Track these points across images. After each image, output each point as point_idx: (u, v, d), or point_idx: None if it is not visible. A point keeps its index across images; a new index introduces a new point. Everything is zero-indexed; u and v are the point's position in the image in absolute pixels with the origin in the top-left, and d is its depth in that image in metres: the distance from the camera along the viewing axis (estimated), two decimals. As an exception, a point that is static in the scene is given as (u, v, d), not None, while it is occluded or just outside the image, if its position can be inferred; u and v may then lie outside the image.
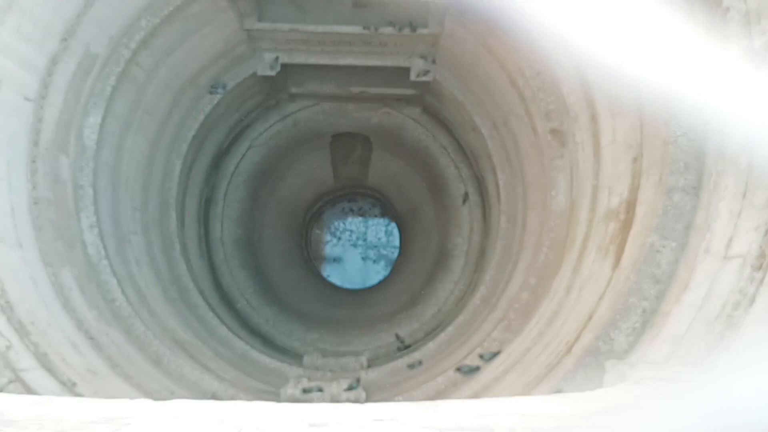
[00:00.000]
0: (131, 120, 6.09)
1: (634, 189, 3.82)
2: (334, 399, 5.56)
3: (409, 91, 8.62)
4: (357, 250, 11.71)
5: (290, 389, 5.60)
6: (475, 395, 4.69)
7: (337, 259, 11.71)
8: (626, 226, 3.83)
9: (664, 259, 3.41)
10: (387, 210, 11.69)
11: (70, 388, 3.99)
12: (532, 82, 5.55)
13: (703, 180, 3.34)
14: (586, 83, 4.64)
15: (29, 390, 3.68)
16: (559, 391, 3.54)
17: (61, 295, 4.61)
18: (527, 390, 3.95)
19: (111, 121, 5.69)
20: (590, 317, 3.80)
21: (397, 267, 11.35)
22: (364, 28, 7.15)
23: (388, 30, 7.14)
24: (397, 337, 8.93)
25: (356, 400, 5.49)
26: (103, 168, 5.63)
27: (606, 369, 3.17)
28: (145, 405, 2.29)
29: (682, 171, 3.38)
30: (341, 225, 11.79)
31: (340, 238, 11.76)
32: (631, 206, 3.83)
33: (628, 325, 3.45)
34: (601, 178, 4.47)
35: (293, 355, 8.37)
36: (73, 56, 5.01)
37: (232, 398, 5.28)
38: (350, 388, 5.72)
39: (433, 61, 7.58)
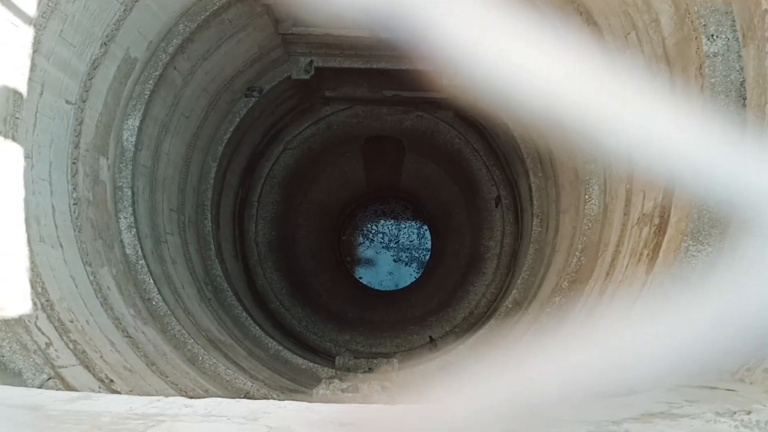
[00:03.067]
0: (169, 123, 6.20)
1: (669, 193, 3.77)
2: (366, 400, 5.58)
3: (442, 95, 8.61)
4: (389, 253, 11.73)
5: (322, 389, 5.64)
6: (507, 399, 4.66)
7: (369, 261, 11.74)
8: (660, 230, 3.78)
9: (699, 265, 3.36)
10: (419, 213, 11.68)
11: (107, 384, 4.07)
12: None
13: (740, 184, 3.29)
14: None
15: (68, 386, 3.76)
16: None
17: (99, 294, 4.71)
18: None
19: (149, 124, 5.80)
20: (625, 319, 3.76)
21: (428, 269, 11.34)
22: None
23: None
24: (431, 339, 8.93)
25: (387, 401, 5.51)
26: (141, 170, 5.74)
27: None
28: (179, 402, 2.33)
29: (718, 175, 3.33)
30: (374, 227, 11.82)
31: (372, 241, 11.78)
32: (665, 210, 3.79)
33: (661, 330, 3.41)
34: (634, 181, 4.42)
35: (325, 356, 8.43)
36: (113, 60, 5.12)
37: (265, 397, 5.33)
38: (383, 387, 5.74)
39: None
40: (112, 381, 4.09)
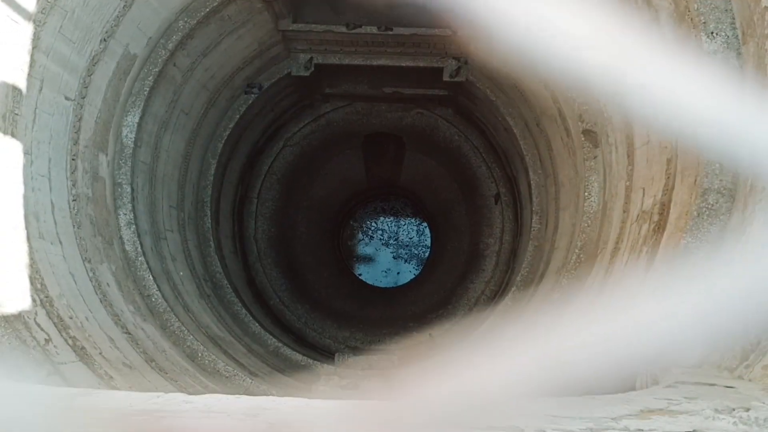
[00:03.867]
0: (168, 119, 6.20)
1: (668, 190, 3.77)
2: (366, 396, 5.59)
3: (442, 92, 8.62)
4: (389, 250, 11.72)
5: (322, 386, 5.65)
6: (506, 395, 4.67)
7: (368, 258, 11.73)
8: (660, 227, 3.79)
9: (699, 260, 3.36)
10: (419, 210, 11.68)
11: (106, 381, 4.07)
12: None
13: (739, 182, 3.29)
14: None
15: (67, 382, 3.76)
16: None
17: (98, 291, 4.71)
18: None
19: (148, 121, 5.79)
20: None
21: (428, 266, 11.34)
22: (386, 29, 7.26)
23: (410, 30, 7.23)
24: (431, 336, 8.93)
25: (387, 398, 5.51)
26: (140, 166, 5.74)
27: (638, 372, 3.14)
28: (179, 398, 2.33)
29: (717, 173, 3.33)
30: (373, 224, 11.81)
31: (372, 237, 11.78)
32: (665, 207, 3.79)
33: (660, 327, 3.41)
34: (634, 179, 4.42)
35: (325, 353, 8.43)
36: (113, 57, 5.11)
37: (265, 394, 5.34)
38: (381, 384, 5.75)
39: (466, 62, 7.58)
40: (111, 377, 4.10)
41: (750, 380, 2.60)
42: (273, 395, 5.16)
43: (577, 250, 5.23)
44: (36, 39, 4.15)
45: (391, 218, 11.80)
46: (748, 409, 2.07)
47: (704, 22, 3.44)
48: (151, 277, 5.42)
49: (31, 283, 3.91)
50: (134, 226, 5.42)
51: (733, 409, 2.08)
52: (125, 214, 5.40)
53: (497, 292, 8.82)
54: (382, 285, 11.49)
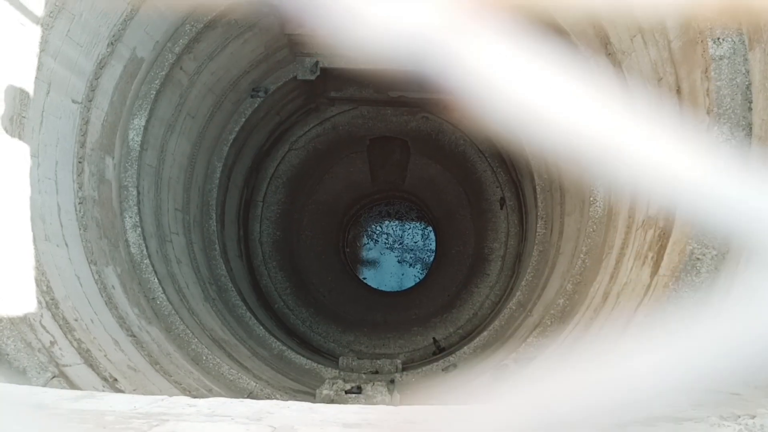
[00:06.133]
0: (174, 123, 6.21)
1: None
2: (369, 401, 5.58)
3: (448, 96, 8.61)
4: (393, 254, 11.71)
5: (326, 390, 5.64)
6: (510, 401, 4.65)
7: (373, 262, 11.73)
8: (665, 233, 3.78)
9: (704, 268, 3.35)
10: (424, 214, 11.67)
11: (111, 383, 4.07)
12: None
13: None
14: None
15: (72, 385, 3.77)
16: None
17: (104, 293, 4.72)
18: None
19: (155, 124, 5.81)
20: (628, 325, 3.75)
21: (433, 271, 11.33)
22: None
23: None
24: (435, 340, 8.93)
25: (390, 403, 5.50)
26: (146, 169, 5.75)
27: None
28: (183, 401, 2.33)
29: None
30: (378, 228, 11.81)
31: (376, 241, 11.78)
32: (670, 213, 3.78)
33: (666, 333, 3.40)
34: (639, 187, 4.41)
35: (329, 357, 8.43)
36: (120, 60, 5.13)
37: (269, 397, 5.34)
38: (388, 382, 5.74)
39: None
40: (116, 380, 4.10)
41: (756, 387, 2.59)
42: (277, 399, 5.18)
43: (582, 255, 5.22)
44: (44, 42, 4.17)
45: (396, 222, 11.80)
46: (753, 417, 2.06)
47: (710, 28, 3.44)
48: (156, 279, 5.43)
49: (37, 285, 3.93)
50: (140, 229, 5.43)
51: (739, 416, 2.07)
52: (131, 217, 5.41)
53: (502, 297, 8.80)
54: (386, 289, 11.48)
